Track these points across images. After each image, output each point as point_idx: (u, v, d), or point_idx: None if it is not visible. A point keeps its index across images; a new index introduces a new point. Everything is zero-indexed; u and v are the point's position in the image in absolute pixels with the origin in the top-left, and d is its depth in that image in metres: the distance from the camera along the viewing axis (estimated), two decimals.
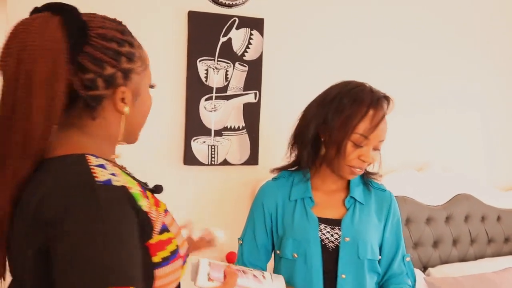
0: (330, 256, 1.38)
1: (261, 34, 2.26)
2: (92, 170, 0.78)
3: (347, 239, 1.37)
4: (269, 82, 2.31)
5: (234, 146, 2.26)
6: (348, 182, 1.47)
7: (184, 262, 0.92)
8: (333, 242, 1.39)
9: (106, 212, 0.74)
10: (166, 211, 0.91)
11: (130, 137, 0.98)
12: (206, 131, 2.20)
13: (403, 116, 2.43)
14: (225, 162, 2.25)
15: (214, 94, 2.21)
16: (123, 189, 0.79)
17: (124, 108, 0.88)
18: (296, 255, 1.40)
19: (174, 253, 0.87)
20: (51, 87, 0.78)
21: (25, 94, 0.77)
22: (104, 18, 0.89)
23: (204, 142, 2.21)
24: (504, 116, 2.93)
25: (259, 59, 2.27)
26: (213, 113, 2.21)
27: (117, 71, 0.85)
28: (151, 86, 0.97)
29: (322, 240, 1.39)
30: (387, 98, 1.42)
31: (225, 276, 1.04)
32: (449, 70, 2.73)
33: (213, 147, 2.22)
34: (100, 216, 0.73)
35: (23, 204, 0.79)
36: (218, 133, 2.23)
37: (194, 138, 2.19)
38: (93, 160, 0.81)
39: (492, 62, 2.85)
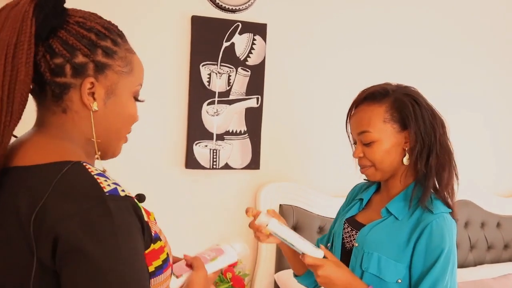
0: (346, 256, 1.42)
1: (264, 39, 2.27)
2: (98, 180, 0.75)
3: (356, 244, 1.39)
4: (272, 87, 2.32)
5: (236, 151, 2.28)
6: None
7: (173, 270, 0.91)
8: (348, 243, 1.42)
9: (119, 224, 0.72)
10: (155, 219, 0.89)
11: (106, 145, 0.89)
12: (208, 135, 2.22)
13: None
14: (227, 166, 2.26)
15: (216, 99, 2.22)
16: (129, 199, 0.76)
17: (92, 102, 0.81)
18: (329, 245, 1.51)
19: (166, 262, 0.85)
20: (14, 55, 0.75)
21: None
22: (93, 14, 0.85)
23: (206, 146, 2.22)
24: (505, 121, 2.94)
25: (262, 64, 2.28)
26: (215, 118, 2.23)
27: (89, 61, 0.80)
28: (139, 99, 0.91)
29: (343, 238, 1.44)
30: (366, 91, 1.40)
31: (190, 266, 1.01)
32: (449, 73, 2.73)
33: (215, 151, 2.24)
34: (115, 229, 0.72)
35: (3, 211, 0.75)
36: (220, 137, 2.24)
37: (196, 142, 2.20)
38: (93, 169, 0.77)
39: (494, 64, 2.86)
